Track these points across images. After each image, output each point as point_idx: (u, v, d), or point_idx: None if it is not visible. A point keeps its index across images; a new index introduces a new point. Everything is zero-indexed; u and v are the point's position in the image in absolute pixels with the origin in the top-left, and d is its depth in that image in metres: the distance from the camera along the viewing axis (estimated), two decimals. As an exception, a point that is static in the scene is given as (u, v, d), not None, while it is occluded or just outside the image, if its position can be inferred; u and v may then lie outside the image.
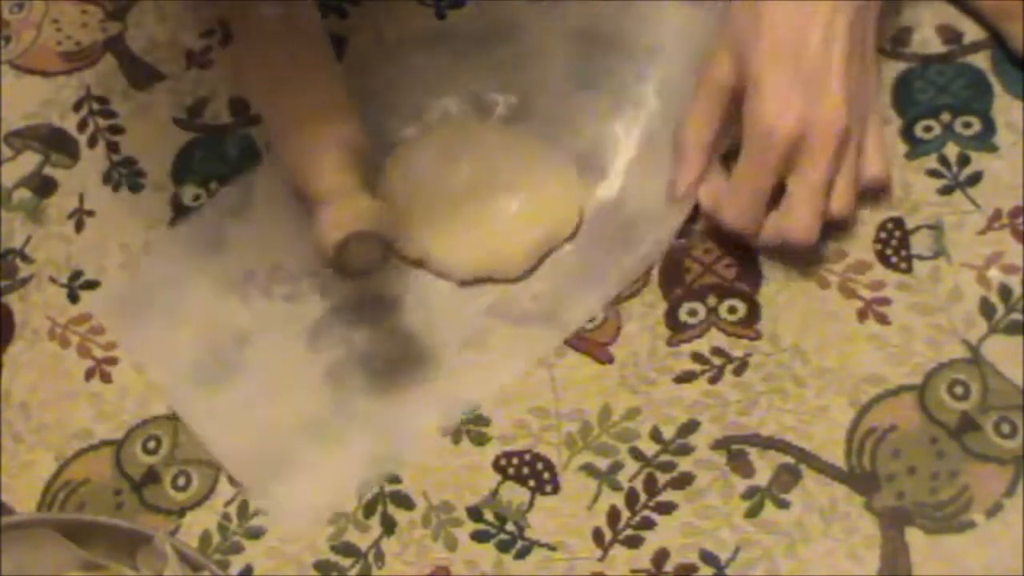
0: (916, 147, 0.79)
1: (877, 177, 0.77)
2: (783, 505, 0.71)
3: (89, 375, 0.81)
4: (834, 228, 0.77)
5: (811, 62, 0.74)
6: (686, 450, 0.74)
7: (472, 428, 0.76)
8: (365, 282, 0.80)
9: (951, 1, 0.83)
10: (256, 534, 0.75)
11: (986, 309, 0.74)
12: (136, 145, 0.89)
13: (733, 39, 0.77)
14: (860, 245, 0.77)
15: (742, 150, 0.76)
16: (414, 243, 0.81)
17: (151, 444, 0.79)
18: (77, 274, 0.85)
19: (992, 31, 0.81)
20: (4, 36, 0.95)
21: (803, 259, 0.77)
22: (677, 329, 0.77)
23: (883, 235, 0.77)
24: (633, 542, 0.72)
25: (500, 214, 0.80)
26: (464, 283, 0.80)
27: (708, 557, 0.71)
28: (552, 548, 0.73)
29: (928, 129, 0.80)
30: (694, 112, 0.78)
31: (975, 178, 0.78)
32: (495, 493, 0.74)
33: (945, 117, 0.80)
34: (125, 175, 0.88)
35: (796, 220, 0.75)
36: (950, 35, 0.82)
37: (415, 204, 0.81)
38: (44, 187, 0.88)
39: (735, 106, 0.76)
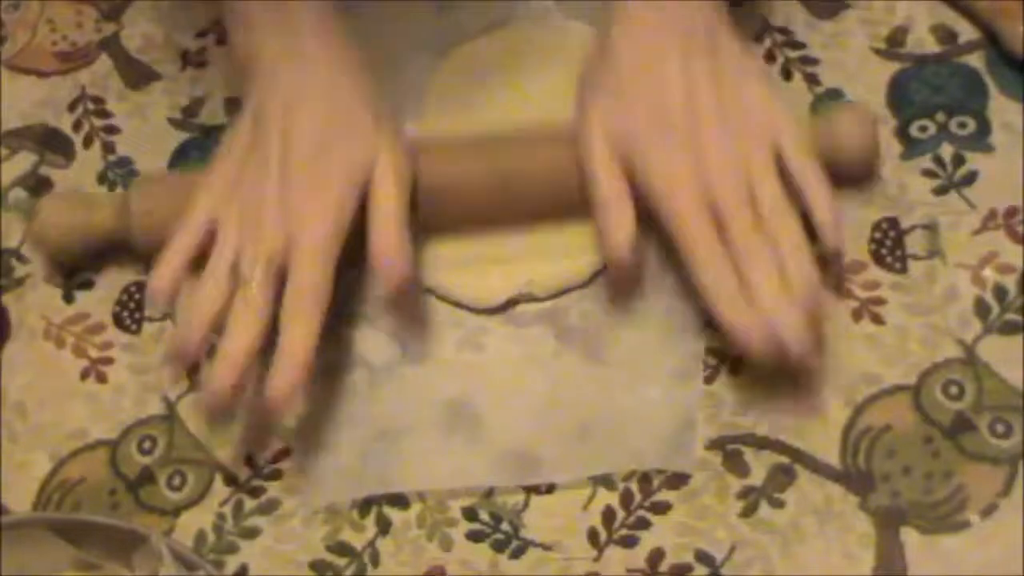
0: (911, 147, 0.79)
1: (825, 227, 0.73)
2: (778, 505, 0.71)
3: (84, 375, 0.81)
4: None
5: (682, 120, 0.74)
6: (681, 450, 0.74)
7: (468, 428, 0.76)
8: (362, 283, 0.81)
9: (946, 1, 0.83)
10: (251, 534, 0.75)
11: (981, 309, 0.74)
12: (131, 145, 0.89)
13: (602, 115, 0.76)
14: (855, 245, 0.77)
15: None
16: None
17: (146, 444, 0.79)
18: (72, 274, 0.85)
19: (987, 31, 0.82)
20: (-1, 36, 0.95)
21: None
22: (672, 329, 0.77)
23: (878, 235, 0.77)
24: (628, 542, 0.72)
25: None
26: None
27: (703, 557, 0.71)
28: (547, 548, 0.73)
29: (923, 129, 0.80)
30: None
31: (970, 178, 0.78)
32: (490, 493, 0.74)
33: (940, 117, 0.80)
34: (120, 175, 0.88)
35: (770, 310, 0.71)
36: (945, 35, 0.82)
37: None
38: (39, 187, 0.88)
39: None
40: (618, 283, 0.78)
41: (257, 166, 0.77)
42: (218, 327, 0.75)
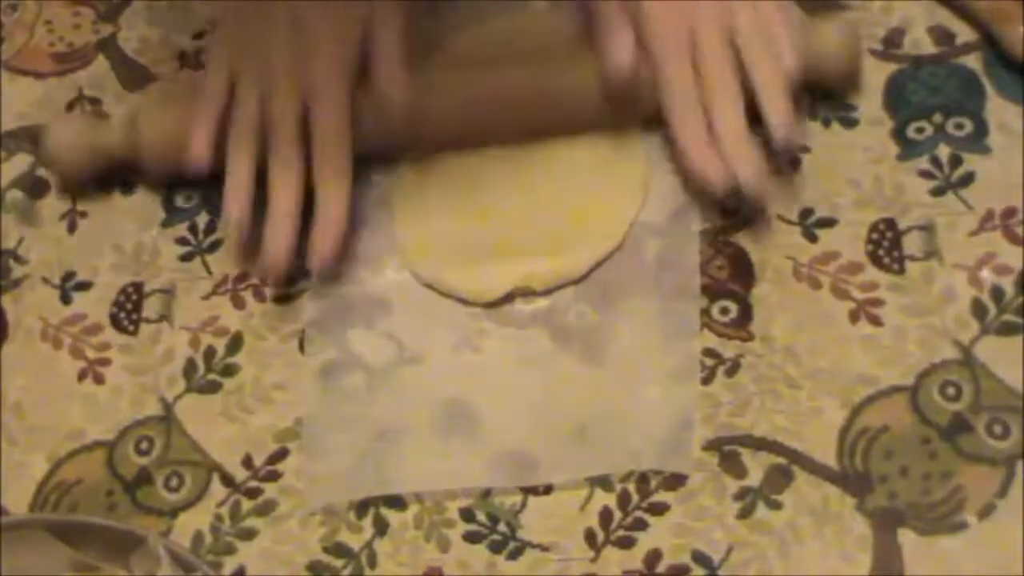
0: (908, 148, 0.79)
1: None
2: (775, 506, 0.71)
3: (82, 376, 0.81)
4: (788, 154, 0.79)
5: None
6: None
7: (465, 428, 0.76)
8: (359, 283, 0.81)
9: (943, 2, 0.83)
10: (248, 535, 0.75)
11: (978, 310, 0.74)
12: (128, 146, 0.89)
13: None
14: (852, 246, 0.77)
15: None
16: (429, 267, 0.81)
17: (144, 445, 0.79)
18: (69, 275, 0.85)
19: (984, 32, 0.82)
20: (-3, 37, 0.95)
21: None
22: (670, 330, 0.77)
23: (875, 236, 0.77)
24: (625, 543, 0.72)
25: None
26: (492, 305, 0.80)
27: (700, 558, 0.71)
28: (545, 549, 0.73)
29: (920, 130, 0.80)
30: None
31: (967, 179, 0.78)
32: (487, 494, 0.74)
33: (937, 118, 0.80)
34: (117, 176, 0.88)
35: (731, 149, 0.77)
36: (942, 36, 0.82)
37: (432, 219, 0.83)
38: (37, 188, 0.88)
39: None
40: (616, 103, 0.81)
41: (264, 21, 0.82)
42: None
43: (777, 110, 0.77)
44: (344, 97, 0.81)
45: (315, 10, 0.81)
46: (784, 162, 0.79)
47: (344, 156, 0.81)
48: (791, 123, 0.77)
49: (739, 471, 0.73)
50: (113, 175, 0.86)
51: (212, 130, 0.81)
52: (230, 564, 0.74)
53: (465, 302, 0.79)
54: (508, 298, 0.79)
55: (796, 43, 0.78)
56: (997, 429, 0.71)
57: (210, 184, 0.85)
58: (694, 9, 0.79)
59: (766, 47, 0.78)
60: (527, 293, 0.79)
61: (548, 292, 0.79)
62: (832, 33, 0.80)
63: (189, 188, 0.86)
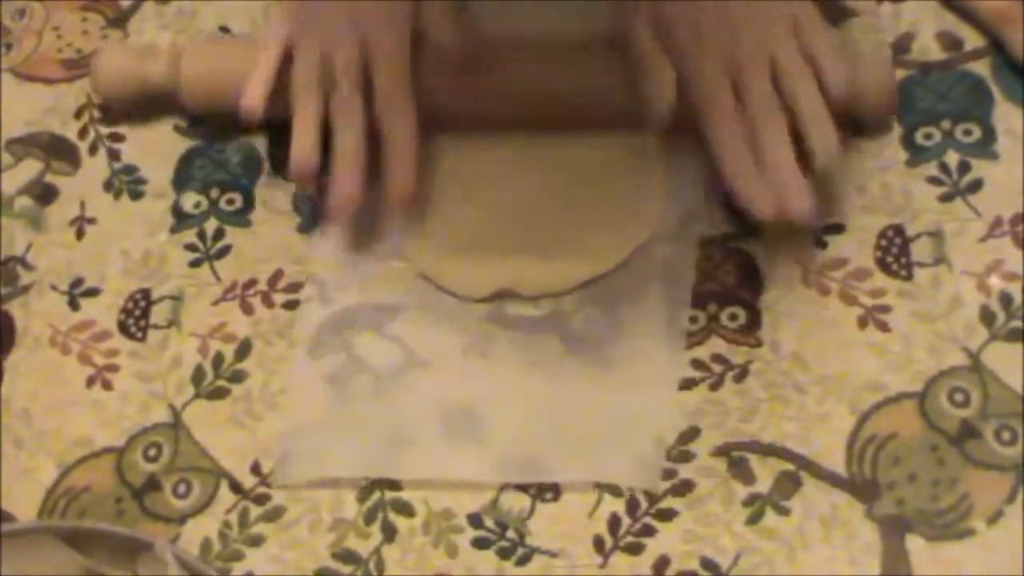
0: (916, 154, 0.79)
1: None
2: (784, 512, 0.71)
3: (90, 382, 0.81)
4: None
5: None
6: (687, 457, 0.74)
7: (472, 433, 0.76)
8: (366, 288, 0.81)
9: (951, 8, 0.83)
10: (256, 541, 0.75)
11: (986, 316, 0.74)
12: (137, 153, 0.89)
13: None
14: (860, 252, 0.77)
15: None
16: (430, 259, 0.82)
17: (152, 452, 0.79)
18: (78, 282, 0.85)
19: (992, 38, 0.82)
20: (5, 43, 0.95)
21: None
22: (678, 336, 0.77)
23: (883, 242, 0.77)
24: (634, 549, 0.72)
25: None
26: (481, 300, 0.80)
27: (709, 564, 0.71)
28: (553, 555, 0.73)
29: (928, 136, 0.80)
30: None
31: (975, 185, 0.78)
32: (496, 500, 0.74)
33: (945, 124, 0.80)
34: (126, 183, 0.88)
35: (778, 173, 0.75)
36: (950, 42, 0.83)
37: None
38: (45, 195, 0.88)
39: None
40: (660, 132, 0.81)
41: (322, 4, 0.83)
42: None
43: (821, 139, 0.75)
44: (404, 50, 0.81)
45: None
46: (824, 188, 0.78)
47: (407, 98, 0.81)
48: (834, 151, 0.76)
49: (747, 477, 0.73)
50: (156, 107, 0.88)
51: (269, 81, 0.82)
52: (238, 570, 0.74)
53: (455, 296, 0.80)
54: (496, 296, 0.79)
55: (840, 71, 0.77)
56: (1005, 435, 0.71)
57: (218, 190, 0.85)
58: (736, 40, 0.77)
59: (809, 76, 0.77)
60: (513, 296, 0.79)
61: (535, 298, 0.79)
62: (870, 64, 0.79)
63: (218, 130, 0.88)
